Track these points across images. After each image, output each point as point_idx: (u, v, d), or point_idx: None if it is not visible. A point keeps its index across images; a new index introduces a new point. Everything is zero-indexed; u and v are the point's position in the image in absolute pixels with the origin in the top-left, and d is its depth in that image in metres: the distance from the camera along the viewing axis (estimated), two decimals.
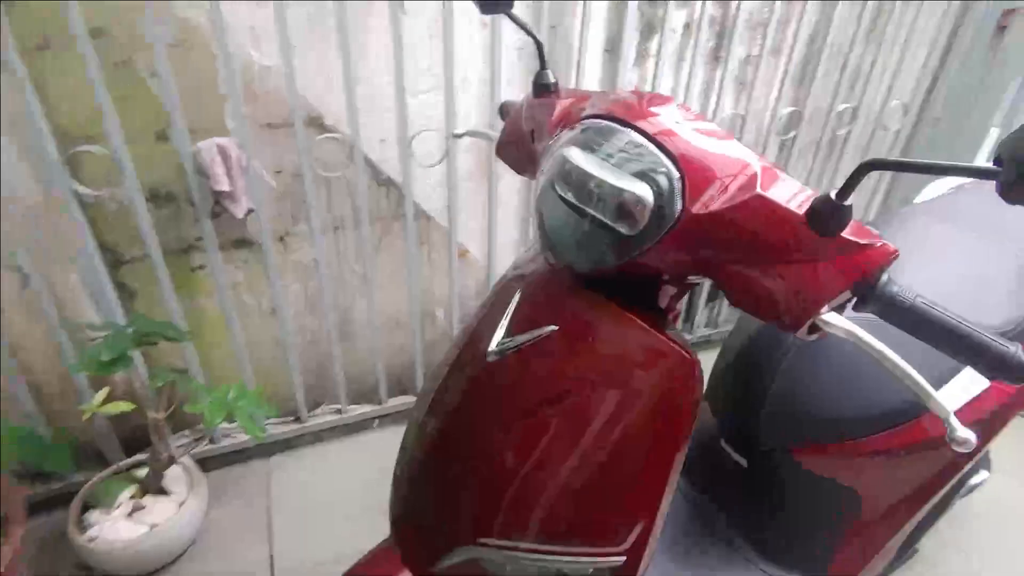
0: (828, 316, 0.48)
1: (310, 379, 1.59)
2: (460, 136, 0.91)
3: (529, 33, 0.69)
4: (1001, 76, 1.88)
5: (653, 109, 0.55)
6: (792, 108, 1.74)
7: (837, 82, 1.73)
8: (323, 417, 1.61)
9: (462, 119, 1.39)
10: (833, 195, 0.46)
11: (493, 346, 0.63)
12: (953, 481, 0.99)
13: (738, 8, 1.49)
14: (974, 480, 1.27)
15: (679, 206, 0.50)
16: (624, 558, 0.58)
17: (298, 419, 1.59)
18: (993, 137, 1.95)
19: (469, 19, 1.31)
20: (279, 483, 1.52)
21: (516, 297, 0.65)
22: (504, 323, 0.64)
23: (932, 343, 0.47)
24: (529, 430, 0.59)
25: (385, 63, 1.26)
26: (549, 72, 0.68)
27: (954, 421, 0.44)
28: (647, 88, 1.56)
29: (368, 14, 1.22)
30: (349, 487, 1.51)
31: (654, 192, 0.51)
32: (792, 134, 1.77)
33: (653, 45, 1.50)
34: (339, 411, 1.63)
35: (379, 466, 1.51)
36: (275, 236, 1.38)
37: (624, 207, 0.52)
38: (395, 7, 1.19)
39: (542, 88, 0.69)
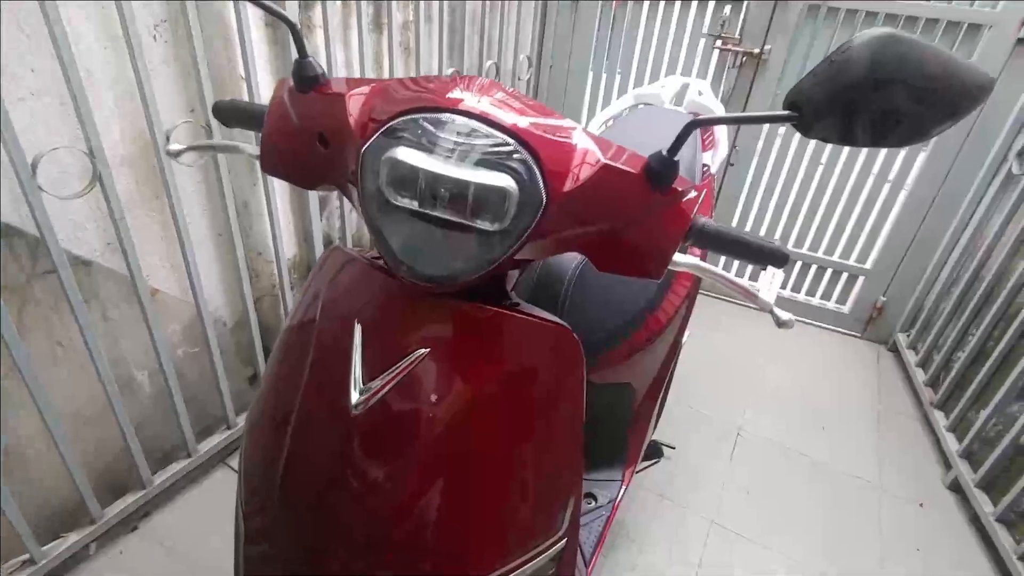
0: (675, 257, 0.55)
1: None
2: (179, 153, 0.67)
3: (276, 14, 0.54)
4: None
5: (479, 93, 0.51)
6: (453, 69, 1.85)
7: (480, 44, 1.91)
8: None
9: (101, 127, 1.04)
10: (664, 152, 0.51)
11: (356, 396, 0.53)
12: (679, 353, 1.28)
13: None
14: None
15: (543, 192, 0.49)
16: (565, 539, 0.58)
17: None
18: (590, 77, 2.43)
19: None
20: None
21: (357, 334, 0.55)
22: (356, 366, 0.54)
23: (732, 254, 0.59)
24: (435, 467, 0.52)
25: None
26: (313, 61, 0.56)
27: (777, 310, 0.57)
28: (322, 59, 1.43)
29: None
30: None
31: (517, 181, 0.48)
32: None
33: (316, 15, 1.37)
34: (30, 561, 1.14)
35: None
36: None
37: (488, 203, 0.48)
38: None
39: (309, 80, 0.56)
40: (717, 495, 1.53)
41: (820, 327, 2.30)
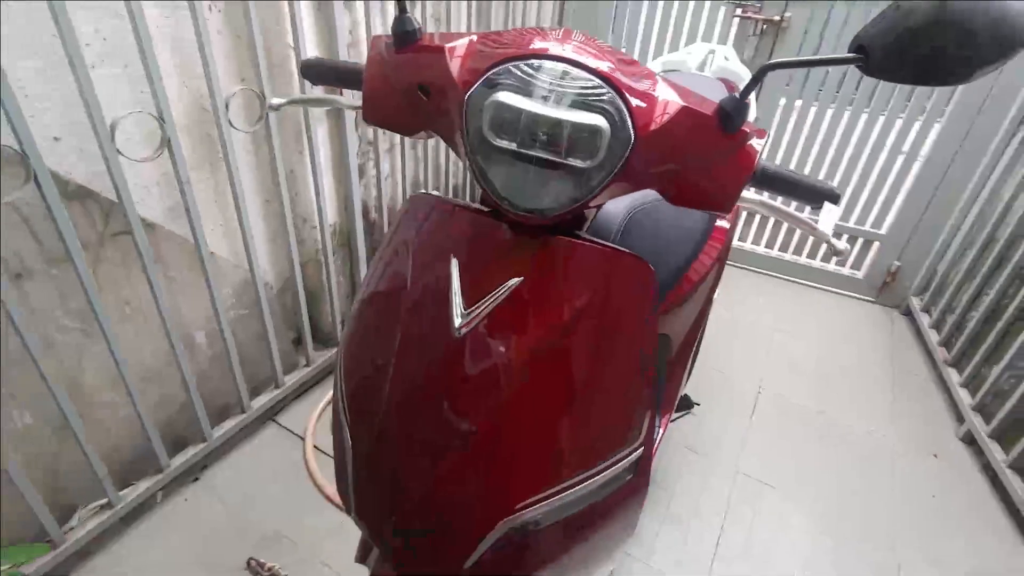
0: (743, 194, 0.61)
1: (49, 485, 1.14)
2: (279, 107, 0.72)
3: None
4: None
5: (562, 40, 0.56)
6: None
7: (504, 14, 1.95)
8: (86, 526, 1.19)
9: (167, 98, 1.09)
10: (736, 95, 0.56)
11: (459, 320, 0.59)
12: (710, 310, 1.35)
13: None
14: None
15: (631, 131, 0.55)
16: (642, 447, 0.65)
17: (49, 542, 1.14)
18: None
19: None
20: None
21: (454, 266, 0.61)
22: (456, 292, 0.60)
23: (790, 195, 0.65)
24: (530, 382, 0.58)
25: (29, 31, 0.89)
26: (411, 18, 0.61)
27: (833, 240, 0.63)
28: (361, 30, 1.48)
29: None
30: None
31: (609, 121, 0.54)
32: None
33: None
34: (108, 505, 1.23)
35: (185, 546, 1.24)
36: None
37: (582, 141, 0.54)
38: None
39: (408, 36, 0.62)
40: (740, 449, 1.61)
41: (835, 292, 2.36)
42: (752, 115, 1.50)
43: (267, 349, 1.48)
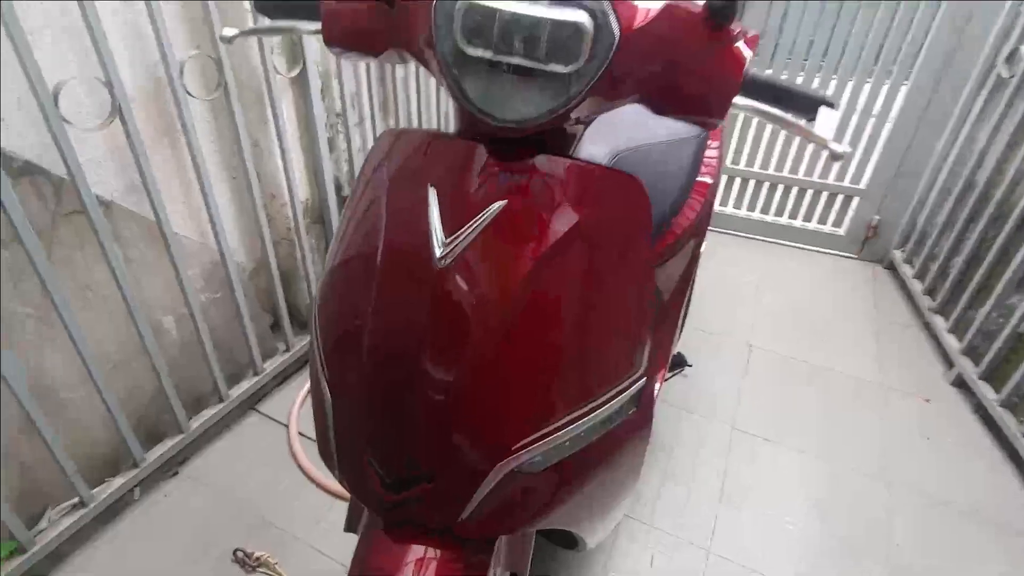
0: (736, 100, 0.57)
1: (15, 485, 1.07)
2: (232, 38, 0.66)
3: None
4: None
5: None
6: None
7: None
8: (57, 527, 1.12)
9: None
10: None
11: (439, 250, 0.55)
12: (698, 263, 1.32)
13: None
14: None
15: (616, 28, 0.50)
16: (644, 379, 0.61)
17: (17, 550, 1.07)
18: None
19: None
20: None
21: (431, 192, 0.56)
22: (435, 222, 0.56)
23: (781, 103, 0.61)
24: (521, 312, 0.54)
25: None
26: None
27: (832, 144, 0.59)
28: None
29: None
30: None
31: (592, 17, 0.49)
32: None
33: None
34: (80, 504, 1.16)
35: (168, 542, 1.18)
36: None
37: (563, 41, 0.49)
38: None
39: None
40: (736, 406, 1.59)
41: (817, 251, 2.36)
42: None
43: (243, 334, 1.42)
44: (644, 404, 0.63)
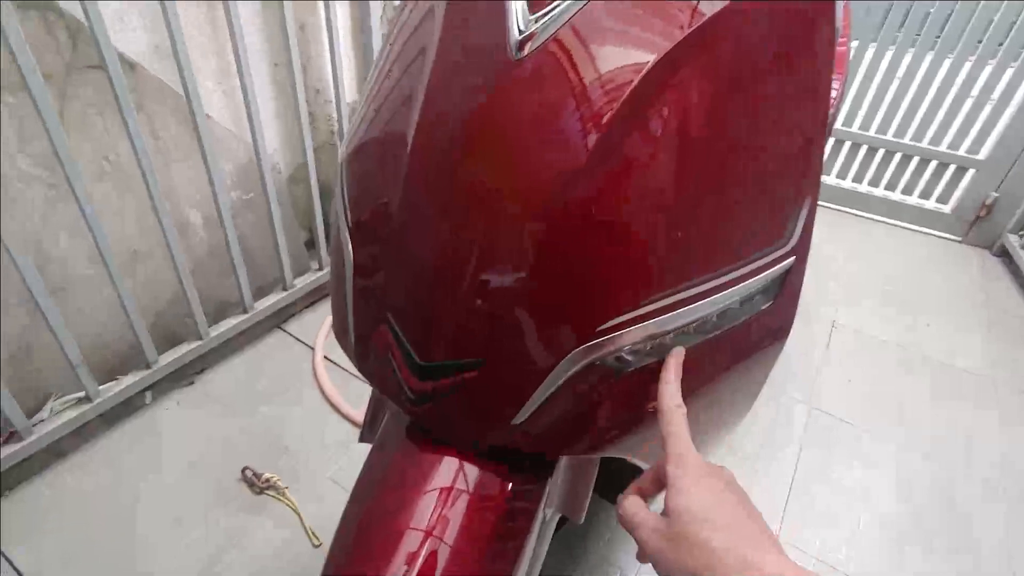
0: None
1: (15, 372, 0.98)
2: None
3: None
4: None
5: None
6: None
7: None
8: (53, 422, 1.03)
9: None
10: None
11: (518, 32, 0.38)
12: None
13: None
14: None
15: None
16: (794, 257, 0.43)
17: (12, 436, 0.99)
18: None
19: None
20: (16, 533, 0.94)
21: None
22: (516, 2, 0.39)
23: None
24: (632, 135, 0.37)
25: None
26: None
27: None
28: None
29: None
30: (145, 511, 1.03)
31: None
32: None
33: None
34: (86, 399, 1.07)
35: (174, 450, 1.08)
36: None
37: None
38: None
39: None
40: (814, 381, 1.39)
41: (913, 229, 2.08)
42: None
43: (274, 243, 1.30)
44: (787, 295, 0.44)
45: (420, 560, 0.40)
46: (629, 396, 0.42)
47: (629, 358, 0.40)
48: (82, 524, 0.97)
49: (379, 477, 0.46)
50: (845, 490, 1.13)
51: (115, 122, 0.98)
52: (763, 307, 0.43)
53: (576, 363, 0.39)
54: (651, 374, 0.41)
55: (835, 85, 1.08)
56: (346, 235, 0.47)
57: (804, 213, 0.42)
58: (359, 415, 1.18)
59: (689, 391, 0.44)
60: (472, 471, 0.44)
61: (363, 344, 0.46)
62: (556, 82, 0.37)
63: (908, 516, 1.09)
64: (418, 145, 0.40)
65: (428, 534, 0.41)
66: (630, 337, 0.39)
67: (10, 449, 0.97)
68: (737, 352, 0.45)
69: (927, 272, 1.86)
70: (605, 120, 0.36)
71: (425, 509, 0.42)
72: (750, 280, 0.41)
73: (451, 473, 0.44)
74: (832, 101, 1.07)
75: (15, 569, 0.90)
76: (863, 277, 1.80)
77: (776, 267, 0.42)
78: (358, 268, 0.46)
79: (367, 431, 0.58)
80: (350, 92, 1.35)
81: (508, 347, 0.39)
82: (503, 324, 0.39)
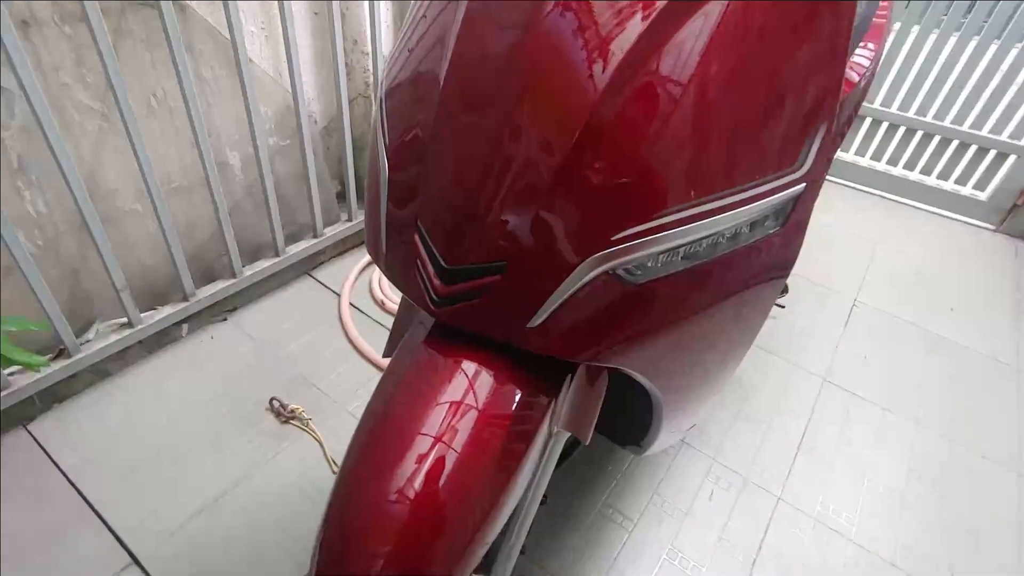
0: None
1: (65, 294, 1.05)
2: None
3: None
4: None
5: None
6: None
7: None
8: (99, 343, 1.10)
9: None
10: None
11: None
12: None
13: None
14: None
15: None
16: (804, 184, 0.45)
17: (62, 352, 1.06)
18: None
19: None
20: (61, 445, 1.02)
21: None
22: None
23: None
24: (651, 51, 0.39)
25: None
26: None
27: None
28: None
29: None
30: (178, 429, 1.10)
31: None
32: None
33: None
34: (128, 324, 1.13)
35: (208, 380, 1.15)
36: None
37: None
38: None
39: None
40: (830, 356, 1.39)
41: (947, 216, 2.04)
42: None
43: (307, 191, 1.34)
44: (794, 223, 0.47)
45: (428, 462, 0.44)
46: (639, 308, 0.45)
47: (639, 272, 0.43)
48: (122, 436, 1.05)
49: (395, 386, 0.50)
50: (853, 460, 1.15)
51: (163, 59, 1.02)
52: (771, 232, 0.45)
53: (590, 270, 0.42)
54: (660, 289, 0.44)
55: (870, 54, 1.07)
56: (384, 156, 0.50)
57: (818, 141, 0.44)
58: (379, 358, 1.23)
59: (692, 312, 0.47)
60: (484, 383, 0.47)
61: (393, 252, 0.50)
62: (585, 9, 0.39)
63: (915, 491, 1.11)
64: (451, 72, 0.43)
65: (438, 439, 0.45)
66: (642, 248, 0.42)
67: (60, 364, 1.04)
68: (741, 278, 0.47)
69: (957, 258, 1.83)
70: (630, 43, 0.38)
71: (436, 417, 0.45)
72: (761, 201, 0.43)
73: (463, 384, 0.47)
74: (865, 70, 1.05)
75: (60, 471, 0.98)
76: (889, 259, 1.78)
77: (787, 191, 0.44)
78: (393, 184, 0.49)
79: (389, 346, 0.62)
80: (386, 44, 1.38)
81: (527, 252, 0.42)
82: (524, 230, 0.42)
